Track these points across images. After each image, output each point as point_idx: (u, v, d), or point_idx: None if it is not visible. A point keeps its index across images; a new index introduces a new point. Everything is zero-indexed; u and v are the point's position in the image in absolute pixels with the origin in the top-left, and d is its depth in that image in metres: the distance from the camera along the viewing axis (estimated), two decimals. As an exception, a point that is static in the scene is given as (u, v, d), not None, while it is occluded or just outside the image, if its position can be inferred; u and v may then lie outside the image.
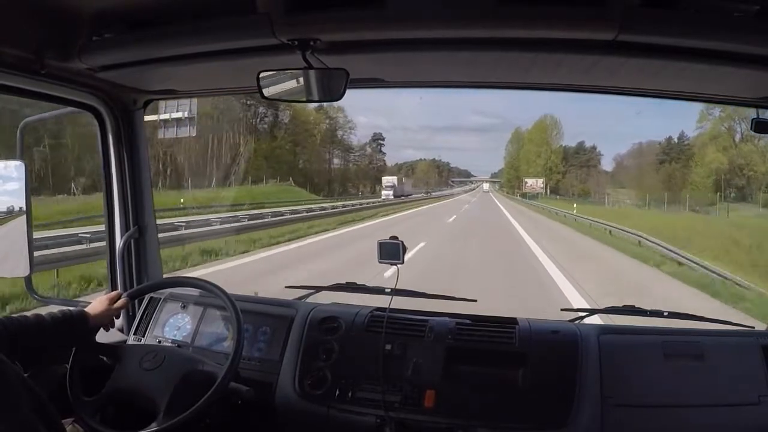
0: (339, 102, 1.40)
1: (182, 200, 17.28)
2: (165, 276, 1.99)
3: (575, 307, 2.41)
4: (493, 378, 1.37)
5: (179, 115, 16.80)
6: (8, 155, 1.61)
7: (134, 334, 1.66)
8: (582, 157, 46.10)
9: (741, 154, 27.63)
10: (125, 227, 1.74)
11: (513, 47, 1.16)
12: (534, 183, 41.33)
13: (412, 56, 1.25)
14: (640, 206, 28.72)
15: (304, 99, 1.22)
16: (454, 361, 1.40)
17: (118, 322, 1.65)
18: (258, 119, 34.04)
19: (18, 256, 1.31)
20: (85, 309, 1.36)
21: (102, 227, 1.80)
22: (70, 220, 10.86)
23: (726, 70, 1.16)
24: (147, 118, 1.77)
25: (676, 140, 34.65)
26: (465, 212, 23.96)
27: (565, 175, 45.90)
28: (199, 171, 25.64)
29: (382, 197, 33.24)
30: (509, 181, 53.88)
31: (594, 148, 47.16)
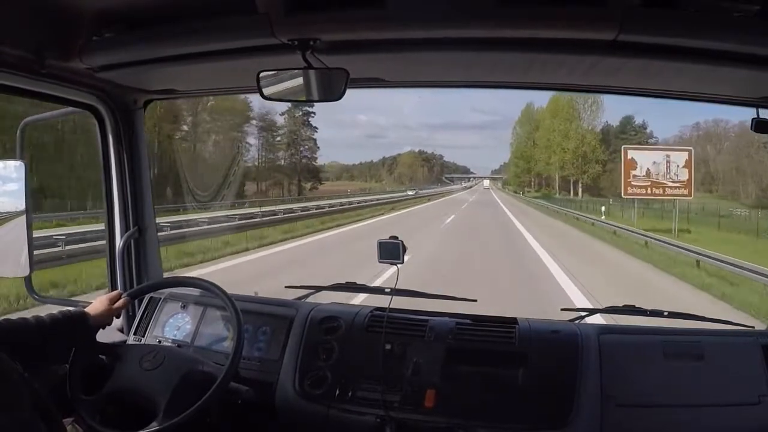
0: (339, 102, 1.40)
1: None
2: (165, 276, 1.99)
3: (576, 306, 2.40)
4: (494, 378, 1.37)
5: None
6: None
7: (134, 334, 1.66)
8: (631, 139, 30.03)
9: None
10: (125, 227, 1.74)
11: (513, 47, 1.16)
12: (673, 171, 15.02)
13: (412, 56, 1.25)
14: None
15: (304, 99, 1.23)
16: (454, 361, 1.40)
17: (118, 322, 1.66)
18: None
19: (18, 256, 1.32)
20: (85, 309, 1.36)
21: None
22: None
23: (726, 70, 1.16)
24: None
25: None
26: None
27: (607, 165, 30.84)
28: None
29: None
30: (517, 176, 39.26)
31: (644, 126, 31.47)
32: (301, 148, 31.84)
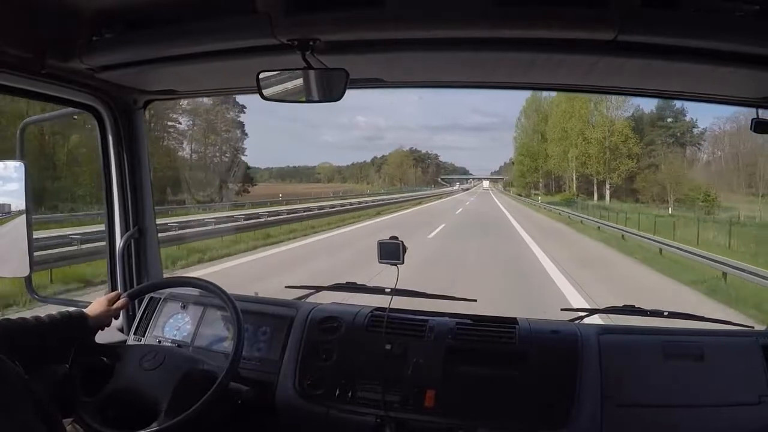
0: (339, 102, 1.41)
1: None
2: (165, 276, 1.99)
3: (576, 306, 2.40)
4: (494, 378, 1.37)
5: None
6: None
7: (134, 334, 1.66)
8: (671, 129, 24.39)
9: None
10: (125, 227, 1.74)
11: (513, 47, 1.16)
12: None
13: (411, 56, 1.25)
14: None
15: (304, 99, 1.23)
16: (454, 361, 1.40)
17: (118, 322, 1.66)
18: None
19: (18, 256, 1.32)
20: (85, 309, 1.36)
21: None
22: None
23: (726, 70, 1.16)
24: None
25: None
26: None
27: (640, 160, 24.52)
28: None
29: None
30: (522, 176, 32.04)
31: (683, 112, 24.71)
32: (224, 136, 21.44)
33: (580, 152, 25.23)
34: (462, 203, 25.06)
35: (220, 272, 8.19)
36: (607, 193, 24.47)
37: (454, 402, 1.34)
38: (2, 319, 1.19)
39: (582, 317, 1.60)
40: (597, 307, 1.68)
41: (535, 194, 29.59)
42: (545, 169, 29.78)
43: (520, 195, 31.38)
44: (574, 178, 27.42)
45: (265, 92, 1.22)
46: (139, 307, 1.70)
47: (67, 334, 1.28)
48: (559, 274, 8.34)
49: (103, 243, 1.80)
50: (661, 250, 11.44)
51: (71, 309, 1.36)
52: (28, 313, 1.26)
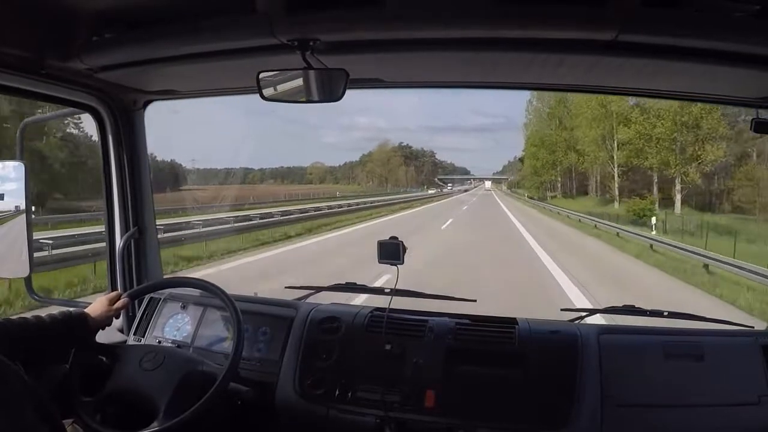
0: (339, 102, 1.41)
1: None
2: (165, 276, 1.99)
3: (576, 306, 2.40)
4: (493, 378, 1.37)
5: None
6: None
7: (134, 334, 1.66)
8: None
9: None
10: (125, 227, 1.74)
11: (513, 47, 1.16)
12: None
13: (411, 56, 1.25)
14: None
15: (304, 99, 1.22)
16: (454, 361, 1.40)
17: (118, 322, 1.66)
18: None
19: (18, 257, 1.32)
20: (85, 309, 1.36)
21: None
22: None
23: (726, 70, 1.16)
24: None
25: None
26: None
27: (727, 147, 15.74)
28: None
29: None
30: (536, 173, 24.33)
31: None
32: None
33: (635, 133, 16.23)
34: (425, 228, 14.18)
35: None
36: (678, 197, 16.38)
37: (454, 402, 1.34)
38: (2, 319, 1.19)
39: (582, 317, 1.60)
40: (597, 307, 1.68)
41: (552, 197, 23.05)
42: (565, 164, 22.19)
43: (533, 198, 24.12)
44: (616, 176, 18.70)
45: (265, 92, 1.22)
46: (139, 308, 1.70)
47: (68, 334, 1.28)
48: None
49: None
50: None
51: (72, 309, 1.36)
52: (29, 313, 1.26)
